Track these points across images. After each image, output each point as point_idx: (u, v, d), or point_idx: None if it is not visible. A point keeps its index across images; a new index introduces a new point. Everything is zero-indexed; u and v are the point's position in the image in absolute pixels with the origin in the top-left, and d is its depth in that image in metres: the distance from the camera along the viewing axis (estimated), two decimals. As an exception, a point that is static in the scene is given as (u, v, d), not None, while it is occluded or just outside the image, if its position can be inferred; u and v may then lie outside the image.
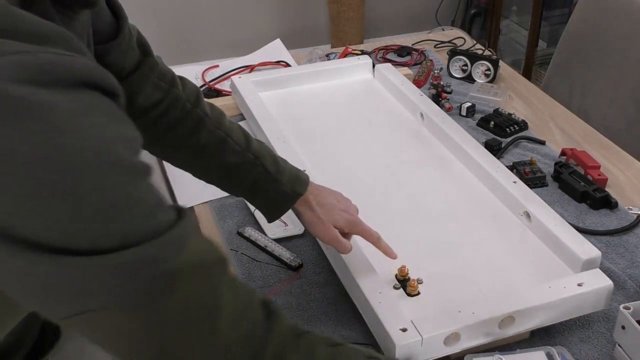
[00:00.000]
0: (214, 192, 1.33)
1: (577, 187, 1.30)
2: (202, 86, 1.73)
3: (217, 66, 1.81)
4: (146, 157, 1.31)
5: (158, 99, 0.96)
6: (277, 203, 1.00)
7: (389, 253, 1.04)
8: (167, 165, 1.42)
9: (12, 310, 0.84)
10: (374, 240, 1.03)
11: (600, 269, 1.02)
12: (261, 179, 0.99)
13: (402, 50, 1.88)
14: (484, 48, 1.85)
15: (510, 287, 1.04)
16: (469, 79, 1.74)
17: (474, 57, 1.73)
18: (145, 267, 0.58)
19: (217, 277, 0.66)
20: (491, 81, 1.73)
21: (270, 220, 1.03)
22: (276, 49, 1.90)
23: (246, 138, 1.01)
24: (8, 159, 0.53)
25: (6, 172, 0.53)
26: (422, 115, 1.46)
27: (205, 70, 1.80)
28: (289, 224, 1.23)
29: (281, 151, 1.29)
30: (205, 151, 0.99)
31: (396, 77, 1.59)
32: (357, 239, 1.08)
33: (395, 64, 1.77)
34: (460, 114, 1.59)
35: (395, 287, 1.04)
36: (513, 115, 1.56)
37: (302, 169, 1.18)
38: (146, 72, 0.95)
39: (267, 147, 1.03)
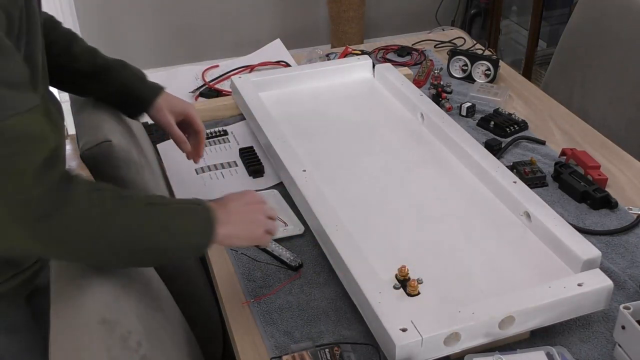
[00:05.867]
0: (214, 192, 1.33)
1: (577, 187, 1.30)
2: (202, 86, 1.73)
3: (217, 66, 1.81)
4: (149, 156, 1.31)
5: None
6: (145, 97, 1.23)
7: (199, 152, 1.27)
8: (167, 165, 1.43)
9: None
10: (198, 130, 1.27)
11: (600, 269, 1.02)
12: (129, 77, 1.22)
13: (402, 50, 1.88)
14: (484, 48, 1.85)
15: (510, 287, 1.04)
16: (469, 79, 1.74)
17: (474, 57, 1.73)
18: None
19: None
20: (491, 81, 1.73)
21: (135, 116, 1.26)
22: (276, 49, 1.91)
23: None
24: None
25: None
26: (422, 115, 1.46)
27: (205, 70, 1.80)
28: (289, 224, 1.23)
29: (281, 151, 1.29)
30: (80, 59, 1.18)
31: (396, 77, 1.59)
32: (356, 238, 1.08)
33: (395, 64, 1.77)
34: (460, 114, 1.59)
35: (395, 287, 1.04)
36: (513, 115, 1.56)
37: (302, 169, 1.21)
38: None
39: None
